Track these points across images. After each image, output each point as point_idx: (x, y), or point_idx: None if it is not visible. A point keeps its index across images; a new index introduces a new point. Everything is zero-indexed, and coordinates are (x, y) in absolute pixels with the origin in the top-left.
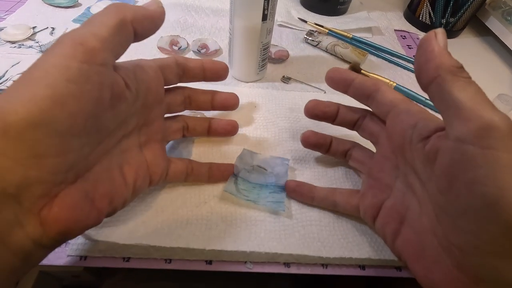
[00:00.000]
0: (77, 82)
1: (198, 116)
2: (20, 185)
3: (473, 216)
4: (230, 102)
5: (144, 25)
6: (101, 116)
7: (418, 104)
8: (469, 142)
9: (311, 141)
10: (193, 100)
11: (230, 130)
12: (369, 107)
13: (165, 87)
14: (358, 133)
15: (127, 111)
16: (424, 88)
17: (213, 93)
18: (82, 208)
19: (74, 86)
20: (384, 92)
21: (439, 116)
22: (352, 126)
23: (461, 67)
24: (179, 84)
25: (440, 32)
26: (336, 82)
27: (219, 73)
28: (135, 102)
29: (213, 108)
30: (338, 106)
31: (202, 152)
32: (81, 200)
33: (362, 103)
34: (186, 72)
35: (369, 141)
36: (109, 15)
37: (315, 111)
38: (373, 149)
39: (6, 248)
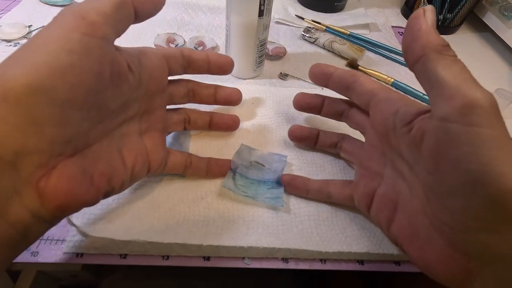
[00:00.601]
0: (78, 54)
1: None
2: (18, 153)
3: (459, 194)
4: (233, 97)
5: (145, 6)
6: (102, 93)
7: (398, 91)
8: (453, 120)
9: (297, 135)
10: (197, 94)
11: (232, 125)
12: (351, 99)
13: (169, 77)
14: (347, 124)
15: (129, 94)
16: (411, 67)
17: (217, 87)
18: (80, 182)
19: (75, 57)
20: (362, 83)
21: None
22: (339, 117)
23: (447, 45)
24: (183, 77)
25: (429, 9)
26: (317, 76)
27: (224, 67)
28: (138, 87)
29: (216, 102)
30: (324, 98)
31: (199, 147)
32: (80, 174)
33: (344, 96)
34: (191, 63)
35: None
36: None
37: (300, 102)
38: (363, 139)
39: (3, 219)
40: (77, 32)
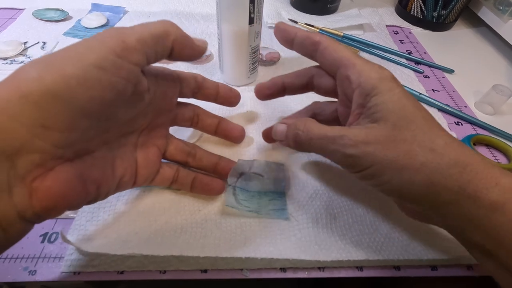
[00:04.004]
0: (108, 72)
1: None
2: (20, 150)
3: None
4: (233, 134)
5: (182, 48)
6: (116, 108)
7: (355, 58)
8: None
9: (265, 93)
10: (200, 120)
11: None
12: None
13: (178, 99)
14: (315, 93)
15: (140, 110)
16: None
17: (221, 119)
18: (74, 187)
19: (104, 74)
20: (323, 52)
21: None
22: (305, 90)
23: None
24: (192, 102)
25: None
26: (280, 36)
27: (231, 100)
28: (150, 104)
29: (216, 133)
30: (282, 79)
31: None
32: (75, 179)
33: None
34: (201, 90)
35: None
36: (157, 26)
37: (262, 92)
38: None
39: None
40: (113, 52)
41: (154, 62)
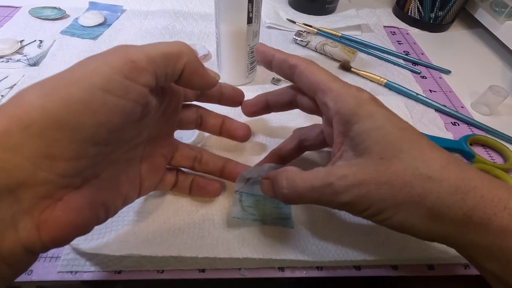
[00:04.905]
0: (114, 95)
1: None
2: (24, 183)
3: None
4: (237, 133)
5: (192, 73)
6: (125, 130)
7: (332, 82)
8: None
9: (251, 110)
10: (204, 121)
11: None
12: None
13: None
14: (300, 110)
15: (146, 123)
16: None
17: (225, 119)
18: (85, 214)
19: (110, 97)
20: (299, 76)
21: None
22: (289, 107)
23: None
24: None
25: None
26: (260, 59)
27: (235, 99)
28: (155, 114)
29: (220, 134)
30: (265, 96)
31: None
32: (85, 206)
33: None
34: (204, 92)
35: None
36: (170, 46)
37: (248, 109)
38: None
39: None
40: (120, 74)
41: (163, 84)
